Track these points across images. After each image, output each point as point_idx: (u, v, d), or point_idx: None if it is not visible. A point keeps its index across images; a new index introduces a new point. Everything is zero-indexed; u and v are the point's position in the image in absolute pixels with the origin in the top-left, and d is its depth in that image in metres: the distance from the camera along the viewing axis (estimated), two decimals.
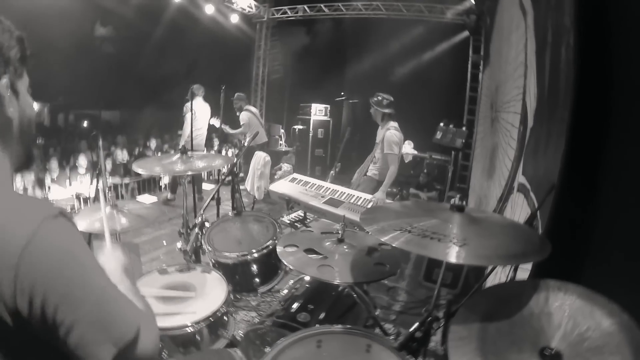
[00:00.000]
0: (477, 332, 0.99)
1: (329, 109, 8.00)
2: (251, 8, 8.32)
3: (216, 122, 5.90)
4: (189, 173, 2.29)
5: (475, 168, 6.03)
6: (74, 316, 0.62)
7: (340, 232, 1.79)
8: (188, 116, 4.78)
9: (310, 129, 7.79)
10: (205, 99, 5.68)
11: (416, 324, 1.26)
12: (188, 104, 5.12)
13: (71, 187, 5.72)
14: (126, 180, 6.45)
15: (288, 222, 3.06)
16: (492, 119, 4.53)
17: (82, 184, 5.81)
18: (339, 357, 1.35)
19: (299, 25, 8.51)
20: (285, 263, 1.65)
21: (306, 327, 1.55)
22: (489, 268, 1.75)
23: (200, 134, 5.60)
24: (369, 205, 3.00)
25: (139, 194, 6.53)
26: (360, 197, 3.16)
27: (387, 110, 3.78)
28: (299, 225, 2.96)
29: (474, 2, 6.22)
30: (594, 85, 1.35)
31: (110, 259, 0.94)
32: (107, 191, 1.27)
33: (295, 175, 3.55)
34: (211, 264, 2.12)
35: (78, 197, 5.58)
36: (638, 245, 1.09)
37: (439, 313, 1.33)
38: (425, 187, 6.73)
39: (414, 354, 1.27)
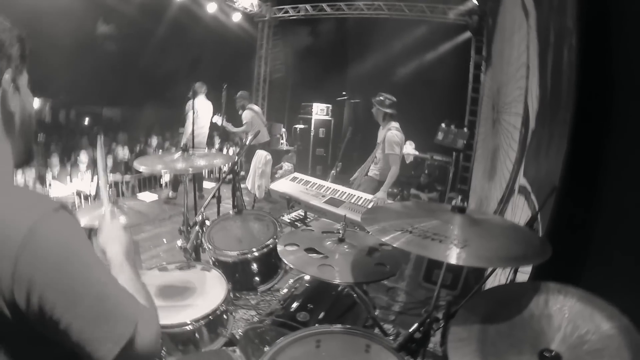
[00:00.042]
0: (476, 333, 0.99)
1: (330, 108, 8.00)
2: (253, 7, 8.32)
3: (218, 120, 5.90)
4: (190, 171, 2.29)
5: (476, 169, 6.02)
6: (73, 312, 0.61)
7: (341, 231, 1.79)
8: (190, 114, 4.78)
9: (312, 129, 7.79)
10: (207, 97, 5.68)
11: (415, 325, 1.26)
12: (190, 102, 5.12)
13: (72, 184, 5.73)
14: (127, 177, 6.46)
15: (288, 221, 3.06)
16: (493, 120, 4.53)
17: (83, 180, 5.81)
18: (338, 357, 1.35)
19: (301, 25, 8.50)
20: (286, 262, 1.65)
21: (305, 326, 1.54)
22: (489, 270, 1.74)
23: (202, 132, 5.60)
24: (370, 206, 3.00)
25: (140, 191, 6.54)
26: (361, 197, 3.16)
27: (389, 110, 3.78)
28: (299, 225, 2.96)
29: (476, 2, 6.21)
30: (596, 87, 1.35)
31: (111, 238, 0.94)
32: (106, 166, 1.21)
33: (296, 174, 3.55)
34: (211, 262, 2.12)
35: (79, 193, 5.59)
36: (639, 248, 1.09)
37: (439, 314, 1.33)
38: (426, 188, 6.72)
39: (413, 354, 1.26)
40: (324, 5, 7.97)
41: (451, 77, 6.75)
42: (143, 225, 4.51)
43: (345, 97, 7.99)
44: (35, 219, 0.61)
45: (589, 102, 1.36)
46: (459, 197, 1.32)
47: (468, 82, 6.86)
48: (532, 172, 2.13)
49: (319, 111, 7.87)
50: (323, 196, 3.10)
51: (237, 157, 3.09)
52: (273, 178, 6.01)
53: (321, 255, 1.69)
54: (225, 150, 8.50)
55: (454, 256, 1.05)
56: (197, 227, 2.23)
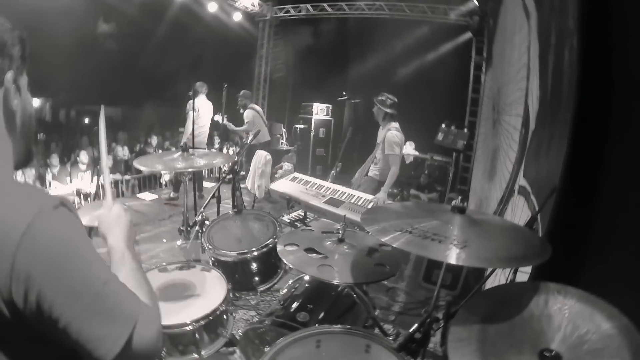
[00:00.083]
0: (476, 333, 0.99)
1: (330, 108, 8.00)
2: (254, 6, 8.32)
3: (220, 119, 5.90)
4: (190, 170, 2.29)
5: (476, 170, 6.02)
6: (72, 311, 0.61)
7: (340, 231, 1.79)
8: (190, 114, 4.78)
9: (312, 129, 7.79)
10: (208, 96, 5.68)
11: (415, 325, 1.26)
12: (191, 102, 5.12)
13: (72, 184, 5.73)
14: (127, 177, 6.46)
15: (288, 221, 3.06)
16: (493, 120, 4.53)
17: (83, 180, 5.81)
18: (338, 357, 1.35)
19: (302, 25, 8.51)
20: (285, 262, 1.65)
21: (305, 326, 1.54)
22: (489, 270, 1.74)
23: (203, 132, 5.60)
24: (370, 206, 3.00)
25: (140, 191, 6.55)
26: (361, 197, 3.16)
27: (389, 110, 3.78)
28: (299, 225, 2.96)
29: (477, 3, 6.22)
30: (597, 88, 1.35)
31: (112, 222, 0.93)
32: (106, 149, 1.16)
33: (296, 174, 3.55)
34: (211, 262, 2.12)
35: (79, 193, 5.59)
36: (639, 247, 1.09)
37: (439, 314, 1.33)
38: (426, 188, 6.72)
39: (413, 354, 1.26)
40: (325, 5, 7.97)
41: (452, 78, 6.75)
42: (143, 225, 4.51)
43: (346, 97, 7.99)
44: (34, 215, 0.60)
45: (590, 102, 1.36)
46: (459, 198, 1.32)
47: (468, 83, 6.87)
48: (532, 173, 2.13)
49: (319, 111, 7.87)
50: (323, 196, 3.10)
51: (237, 157, 3.09)
52: (273, 178, 6.01)
53: (321, 256, 1.68)
54: (225, 150, 8.50)
55: (453, 256, 1.05)
56: (196, 227, 2.23)
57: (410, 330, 1.25)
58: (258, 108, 6.23)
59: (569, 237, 1.36)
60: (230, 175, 2.81)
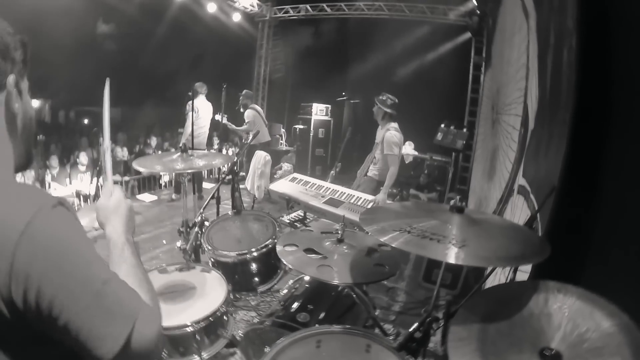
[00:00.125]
0: (476, 332, 0.99)
1: (330, 108, 8.00)
2: (253, 7, 8.33)
3: (220, 118, 5.89)
4: (189, 171, 2.29)
5: (475, 170, 6.03)
6: (71, 310, 0.61)
7: (340, 232, 1.79)
8: (190, 114, 4.78)
9: (311, 129, 7.79)
10: (207, 97, 5.68)
11: (415, 325, 1.26)
12: (190, 102, 5.11)
13: (71, 185, 5.73)
14: (126, 178, 6.46)
15: (288, 221, 3.06)
16: (493, 120, 4.53)
17: (83, 181, 5.81)
18: (339, 357, 1.35)
19: (301, 25, 8.52)
20: (285, 262, 1.65)
21: (306, 327, 1.54)
22: (489, 269, 1.75)
23: (203, 133, 5.59)
24: (369, 206, 3.00)
25: (139, 192, 6.54)
26: (361, 198, 3.16)
27: (389, 110, 3.78)
28: (298, 225, 2.96)
29: (476, 3, 6.22)
30: (596, 88, 1.35)
31: (111, 211, 0.91)
32: (109, 127, 1.10)
33: (295, 174, 3.55)
34: (210, 263, 2.12)
35: (78, 194, 5.59)
36: (638, 247, 1.09)
37: (439, 314, 1.33)
38: (426, 188, 6.73)
39: (413, 354, 1.27)
40: (325, 5, 7.98)
41: (451, 78, 6.76)
42: (142, 227, 4.51)
43: (345, 98, 7.99)
44: (32, 214, 0.60)
45: (589, 102, 1.36)
46: (457, 197, 1.32)
47: (468, 83, 6.88)
48: (532, 172, 2.13)
49: (319, 111, 7.87)
50: (322, 196, 3.10)
51: (236, 158, 3.09)
52: (272, 178, 6.02)
53: (320, 256, 1.69)
54: (224, 151, 8.50)
55: (452, 256, 1.05)
56: (196, 228, 2.23)
57: (411, 329, 1.26)
58: (259, 108, 6.23)
59: (569, 236, 1.36)
60: (230, 176, 2.81)
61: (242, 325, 2.45)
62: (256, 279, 2.10)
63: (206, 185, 6.49)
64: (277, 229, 2.25)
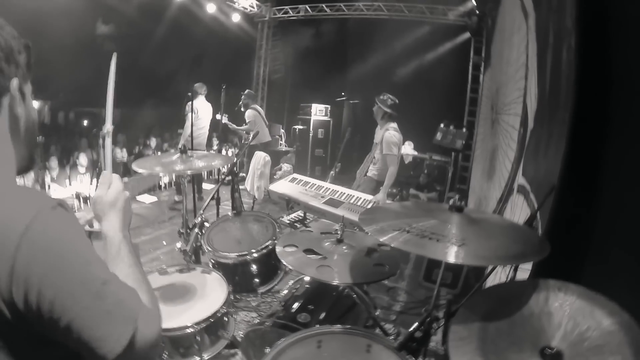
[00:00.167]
0: (477, 332, 0.99)
1: (329, 109, 8.00)
2: (253, 7, 8.33)
3: (223, 119, 5.88)
4: (189, 172, 2.28)
5: (475, 169, 6.03)
6: (72, 311, 0.61)
7: (339, 232, 1.79)
8: (189, 115, 4.77)
9: (311, 129, 7.79)
10: (206, 97, 5.66)
11: (416, 324, 1.26)
12: (190, 103, 5.09)
13: (71, 187, 5.72)
14: (125, 179, 6.45)
15: (288, 222, 3.06)
16: (492, 120, 4.54)
17: (82, 183, 5.80)
18: (339, 357, 1.35)
19: (300, 25, 8.52)
20: (285, 263, 1.65)
21: (306, 327, 1.54)
22: (489, 268, 1.75)
23: (202, 134, 5.57)
24: (369, 206, 3.00)
25: (139, 193, 6.53)
26: (360, 198, 3.16)
27: (389, 110, 3.79)
28: (298, 225, 2.96)
29: (475, 3, 6.23)
30: (595, 87, 1.35)
31: (109, 205, 0.88)
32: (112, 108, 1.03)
33: (295, 175, 3.55)
34: (211, 264, 2.12)
35: (78, 196, 5.58)
36: (638, 245, 1.09)
37: (439, 313, 1.33)
38: (425, 188, 6.73)
39: (414, 353, 1.27)
40: (324, 5, 7.98)
41: (450, 78, 6.77)
42: (143, 228, 4.51)
43: (344, 98, 8.00)
44: (32, 216, 0.60)
45: (588, 101, 1.37)
46: (457, 197, 1.32)
47: (467, 83, 6.88)
48: (531, 172, 2.14)
49: (318, 112, 7.87)
50: (322, 197, 3.10)
51: (236, 158, 3.09)
52: (272, 179, 6.01)
53: (320, 256, 1.69)
54: (224, 152, 8.50)
55: (452, 255, 1.05)
56: (196, 229, 2.23)
57: (411, 329, 1.26)
58: (259, 108, 6.22)
59: (569, 235, 1.37)
60: (229, 177, 2.81)
61: (242, 326, 2.45)
62: (256, 279, 2.10)
63: (206, 186, 6.49)
64: (277, 229, 2.25)
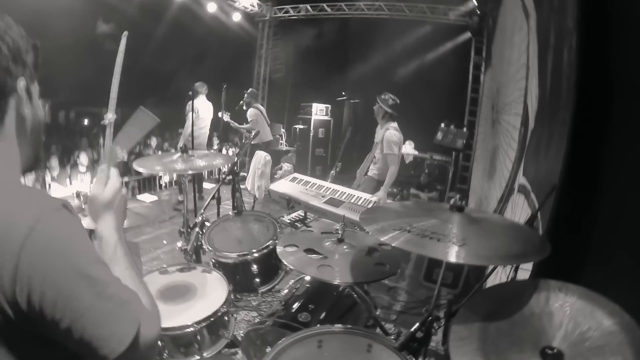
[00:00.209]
0: (478, 332, 0.99)
1: (330, 108, 8.00)
2: (254, 7, 8.33)
3: (224, 116, 5.87)
4: (190, 172, 2.28)
5: (475, 169, 6.03)
6: (74, 312, 0.61)
7: (340, 232, 1.79)
8: (190, 115, 4.76)
9: (311, 129, 7.79)
10: (207, 97, 5.66)
11: (417, 324, 1.26)
12: (190, 103, 5.08)
13: (71, 186, 5.72)
14: (126, 179, 6.45)
15: (288, 221, 3.06)
16: (493, 120, 4.53)
17: (83, 182, 5.80)
18: (340, 357, 1.35)
19: (301, 25, 8.51)
20: (286, 263, 1.65)
21: (307, 327, 1.54)
22: (490, 268, 1.75)
23: (203, 133, 5.55)
24: (371, 204, 3.00)
25: (139, 192, 6.53)
26: (361, 197, 3.15)
27: (389, 110, 3.79)
28: (299, 225, 2.96)
29: (476, 3, 6.22)
30: (596, 87, 1.35)
31: (104, 207, 0.86)
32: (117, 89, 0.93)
33: (295, 174, 3.54)
34: (211, 264, 2.12)
35: (78, 195, 5.58)
36: (639, 246, 1.09)
37: (440, 313, 1.33)
38: (426, 188, 6.73)
39: (414, 353, 1.26)
40: (325, 5, 7.98)
41: (451, 78, 6.77)
42: (143, 227, 4.51)
43: (345, 98, 7.99)
44: (38, 217, 0.61)
45: (589, 102, 1.36)
46: (458, 196, 1.32)
47: (468, 83, 6.89)
48: (532, 171, 2.13)
49: (319, 111, 7.87)
50: (323, 196, 3.09)
51: (236, 158, 3.09)
52: (273, 179, 6.01)
53: (321, 256, 1.69)
54: (224, 151, 8.50)
55: (452, 254, 1.05)
56: (197, 229, 2.23)
57: (412, 329, 1.26)
58: (262, 107, 6.20)
59: (569, 235, 1.36)
60: (230, 177, 2.81)
61: (243, 325, 2.46)
62: (257, 279, 2.10)
63: (207, 185, 6.49)
64: (278, 229, 2.25)
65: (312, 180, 3.38)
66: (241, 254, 2.08)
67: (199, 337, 1.56)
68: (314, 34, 8.44)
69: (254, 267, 2.11)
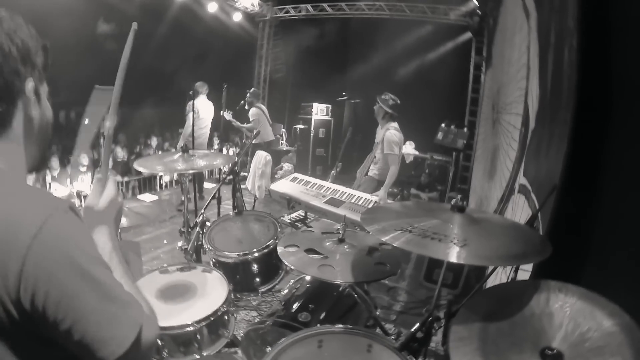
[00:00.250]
0: (478, 332, 0.99)
1: (330, 108, 8.00)
2: (254, 7, 8.33)
3: (227, 115, 5.87)
4: (190, 172, 2.28)
5: (476, 169, 6.03)
6: (77, 312, 0.61)
7: (341, 232, 1.79)
8: (190, 115, 4.76)
9: (312, 129, 7.79)
10: (207, 97, 5.65)
11: (417, 324, 1.26)
12: (191, 102, 5.08)
13: (72, 186, 5.73)
14: (126, 178, 6.46)
15: (289, 221, 3.06)
16: (493, 120, 4.53)
17: (83, 182, 5.81)
18: (340, 357, 1.35)
19: (302, 25, 8.51)
20: (286, 263, 1.65)
21: (307, 327, 1.54)
22: (490, 268, 1.75)
23: (203, 133, 5.55)
24: (372, 204, 3.00)
25: (140, 192, 6.54)
26: (361, 197, 3.15)
27: (389, 110, 3.79)
28: (299, 225, 2.96)
29: (477, 3, 6.22)
30: (597, 87, 1.35)
31: (99, 220, 0.85)
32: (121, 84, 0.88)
33: (296, 174, 3.54)
34: (212, 263, 2.12)
35: (79, 195, 5.59)
36: (639, 246, 1.09)
37: (440, 313, 1.33)
38: (427, 188, 6.73)
39: (414, 354, 1.26)
40: (325, 5, 7.98)
41: (451, 78, 6.76)
42: (144, 227, 4.52)
43: (345, 97, 7.99)
44: (45, 219, 0.61)
45: (590, 102, 1.36)
46: (458, 197, 1.32)
47: (468, 83, 6.88)
48: (532, 171, 2.13)
49: (319, 111, 7.86)
50: (323, 196, 3.09)
51: (237, 158, 3.09)
52: (273, 178, 6.01)
53: (321, 256, 1.69)
54: (225, 151, 8.50)
55: (453, 255, 1.05)
56: (197, 228, 2.23)
57: (412, 329, 1.26)
58: (263, 107, 6.20)
59: (570, 235, 1.36)
60: (231, 176, 2.81)
61: (243, 325, 2.46)
62: (257, 279, 2.11)
63: (207, 185, 6.49)
64: (279, 229, 2.25)
65: (313, 180, 3.38)
66: (241, 253, 2.08)
67: (198, 337, 1.56)
68: (315, 34, 8.43)
69: (254, 267, 2.11)
